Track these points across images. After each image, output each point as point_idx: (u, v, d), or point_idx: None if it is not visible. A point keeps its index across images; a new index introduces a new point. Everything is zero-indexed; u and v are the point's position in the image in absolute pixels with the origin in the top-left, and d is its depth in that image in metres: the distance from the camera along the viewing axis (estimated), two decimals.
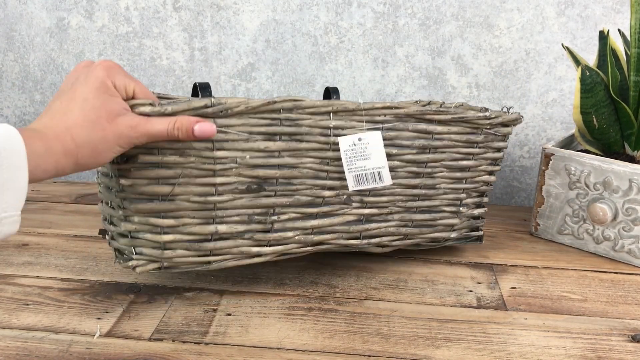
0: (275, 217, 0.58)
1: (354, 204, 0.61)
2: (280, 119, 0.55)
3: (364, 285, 0.67)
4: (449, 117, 0.62)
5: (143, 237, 0.55)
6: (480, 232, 0.72)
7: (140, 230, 0.55)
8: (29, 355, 0.53)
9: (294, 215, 0.59)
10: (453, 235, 0.68)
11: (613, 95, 0.74)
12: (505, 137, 0.68)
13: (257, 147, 0.55)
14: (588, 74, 0.74)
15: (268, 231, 0.58)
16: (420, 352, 0.55)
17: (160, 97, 0.64)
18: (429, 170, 0.63)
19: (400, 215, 0.64)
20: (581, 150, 0.80)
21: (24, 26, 0.99)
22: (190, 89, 0.98)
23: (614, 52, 0.78)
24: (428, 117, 0.61)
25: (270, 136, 0.56)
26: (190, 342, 0.56)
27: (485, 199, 0.71)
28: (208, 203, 0.55)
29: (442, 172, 0.65)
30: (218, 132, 0.53)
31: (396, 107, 0.59)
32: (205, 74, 0.97)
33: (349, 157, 0.58)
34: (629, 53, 0.75)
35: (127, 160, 0.53)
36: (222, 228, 0.56)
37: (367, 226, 0.62)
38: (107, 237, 0.60)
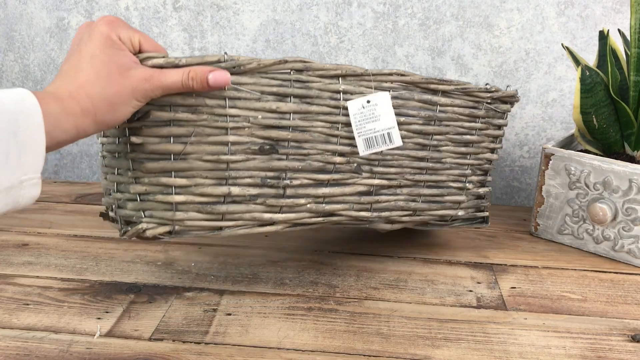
0: (287, 182, 0.57)
1: (364, 174, 0.61)
2: (290, 80, 0.56)
3: (364, 285, 0.67)
4: (452, 87, 0.64)
5: (153, 198, 0.54)
6: (486, 213, 0.72)
7: (150, 192, 0.54)
8: (29, 355, 0.53)
9: (305, 181, 0.59)
10: (460, 213, 0.68)
11: (613, 95, 0.74)
12: (504, 114, 0.70)
13: (268, 107, 0.55)
14: (588, 74, 0.74)
15: (280, 196, 0.58)
16: (420, 352, 0.55)
17: None
18: (434, 142, 0.65)
19: (409, 189, 0.64)
20: (581, 150, 0.80)
21: (24, 26, 0.99)
22: None
23: (614, 52, 0.78)
24: (432, 86, 0.63)
25: (281, 97, 0.56)
26: (190, 342, 0.56)
27: (489, 179, 0.72)
28: (221, 162, 0.55)
29: (447, 145, 0.66)
30: (230, 89, 0.54)
31: (402, 74, 0.61)
32: None
33: (358, 121, 0.59)
34: (629, 53, 0.75)
35: (138, 118, 0.53)
36: (235, 190, 0.55)
37: (377, 198, 0.62)
38: (110, 214, 0.60)
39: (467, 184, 0.68)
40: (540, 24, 0.91)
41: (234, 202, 0.56)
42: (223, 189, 0.55)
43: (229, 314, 0.61)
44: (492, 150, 0.71)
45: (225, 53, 0.53)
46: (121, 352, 0.54)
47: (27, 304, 0.61)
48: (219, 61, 0.52)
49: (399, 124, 0.61)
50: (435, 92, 0.63)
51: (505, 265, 0.74)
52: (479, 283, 0.69)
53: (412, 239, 0.81)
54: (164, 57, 0.51)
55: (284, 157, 0.57)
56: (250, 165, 0.56)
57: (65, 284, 0.66)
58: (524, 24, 0.91)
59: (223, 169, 0.55)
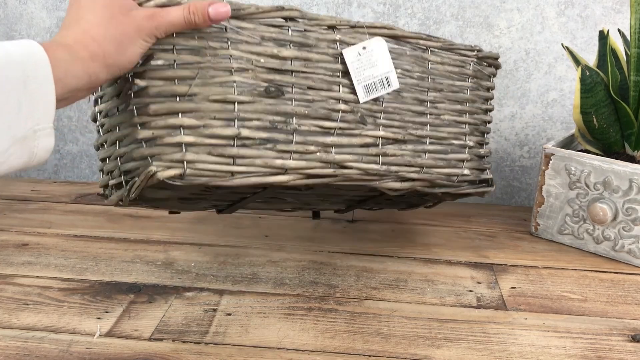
0: (295, 126, 0.58)
1: (369, 126, 0.62)
2: (288, 27, 0.57)
3: (364, 285, 0.67)
4: (439, 44, 0.66)
5: (161, 142, 0.52)
6: (490, 175, 0.73)
7: (157, 135, 0.53)
8: (29, 355, 0.53)
9: (313, 128, 0.59)
10: (465, 171, 0.69)
11: (613, 95, 0.74)
12: (490, 77, 0.73)
13: (270, 52, 0.56)
14: (588, 73, 0.74)
15: (290, 142, 0.58)
16: (420, 352, 0.55)
17: None
18: (431, 98, 0.66)
19: (413, 145, 0.65)
20: (581, 150, 0.80)
21: (24, 26, 0.99)
22: None
23: (614, 52, 0.78)
24: (422, 42, 0.65)
25: (280, 43, 0.57)
26: (190, 342, 0.56)
27: (487, 140, 0.73)
28: (228, 102, 0.55)
29: (443, 103, 0.68)
30: (231, 31, 0.54)
31: (392, 29, 0.63)
32: None
33: (357, 68, 0.60)
34: (629, 53, 0.75)
35: (142, 64, 0.53)
36: (245, 132, 0.55)
37: (384, 150, 0.63)
38: (106, 192, 0.59)
39: (468, 142, 0.69)
40: (540, 24, 0.91)
41: (244, 145, 0.55)
42: (233, 130, 0.54)
43: (229, 314, 0.61)
44: (486, 112, 0.72)
45: None
46: (121, 352, 0.54)
47: (27, 304, 0.61)
48: None
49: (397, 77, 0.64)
50: (425, 49, 0.66)
51: (506, 265, 0.74)
52: (479, 283, 0.69)
53: (412, 239, 0.81)
54: None
55: (290, 102, 0.58)
56: (258, 107, 0.56)
57: (65, 284, 0.66)
58: (524, 24, 0.91)
59: (231, 110, 0.55)
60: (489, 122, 0.73)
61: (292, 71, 0.58)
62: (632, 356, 0.56)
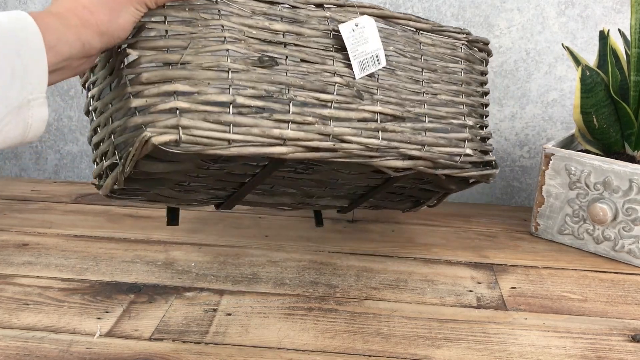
0: (292, 95, 0.57)
1: (366, 100, 0.62)
2: (278, 3, 0.58)
3: (364, 285, 0.67)
4: (429, 25, 0.67)
5: (155, 109, 0.51)
6: (492, 157, 0.72)
7: (151, 103, 0.52)
8: (29, 355, 0.53)
9: (310, 100, 0.59)
10: (468, 151, 0.68)
11: (613, 95, 0.74)
12: (483, 62, 0.73)
13: (261, 25, 0.56)
14: (588, 73, 0.74)
15: (287, 112, 0.57)
16: (420, 352, 0.55)
17: None
18: (426, 77, 0.66)
19: (412, 123, 0.65)
20: (581, 150, 0.80)
21: None
22: None
23: (614, 52, 0.78)
24: (412, 24, 0.66)
25: (271, 17, 0.57)
26: (190, 342, 0.56)
27: (487, 123, 0.72)
28: (221, 70, 0.54)
29: (438, 83, 0.68)
30: (222, 3, 0.54)
31: (381, 9, 0.64)
32: None
33: (352, 44, 0.61)
34: (629, 53, 0.75)
35: (134, 35, 0.53)
36: (240, 99, 0.54)
37: (383, 125, 0.62)
38: (103, 174, 0.59)
39: (467, 121, 0.69)
40: (540, 24, 0.91)
41: (240, 113, 0.55)
42: (227, 97, 0.54)
43: (229, 314, 0.61)
44: (482, 95, 0.72)
45: None
46: (121, 352, 0.54)
47: (27, 304, 0.61)
48: None
49: (390, 56, 0.64)
50: (415, 31, 0.67)
51: (506, 265, 0.74)
52: (479, 283, 0.69)
53: (412, 239, 0.81)
54: None
55: (284, 72, 0.57)
56: (252, 76, 0.55)
57: (65, 284, 0.66)
58: (524, 24, 0.91)
59: (224, 77, 0.54)
60: (487, 105, 0.73)
61: (285, 43, 0.58)
62: (632, 356, 0.56)
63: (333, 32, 0.61)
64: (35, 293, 0.64)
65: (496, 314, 0.62)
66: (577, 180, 0.76)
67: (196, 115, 0.52)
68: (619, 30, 0.84)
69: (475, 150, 0.70)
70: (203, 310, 0.61)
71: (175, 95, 0.52)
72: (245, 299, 0.64)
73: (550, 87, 0.93)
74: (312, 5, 0.60)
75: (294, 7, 0.59)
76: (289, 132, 0.56)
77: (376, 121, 0.62)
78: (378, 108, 0.62)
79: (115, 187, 0.56)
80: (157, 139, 0.50)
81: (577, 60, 0.79)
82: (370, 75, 0.62)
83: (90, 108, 0.60)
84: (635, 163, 0.74)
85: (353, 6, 0.62)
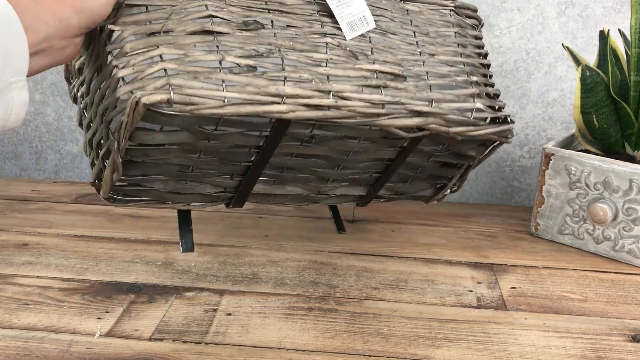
0: (283, 54, 0.56)
1: (362, 60, 0.60)
2: None
3: (364, 285, 0.67)
4: None
5: (143, 75, 0.49)
6: (506, 113, 0.69)
7: (138, 70, 0.50)
8: (29, 355, 0.53)
9: (303, 58, 0.57)
10: (479, 105, 0.65)
11: (613, 95, 0.74)
12: (475, 28, 0.72)
13: None
14: (588, 73, 0.74)
15: (281, 69, 0.55)
16: (420, 352, 0.55)
17: None
18: (420, 39, 0.65)
19: (414, 81, 0.63)
20: (581, 150, 0.80)
21: None
22: None
23: (614, 52, 0.78)
24: None
25: None
26: (191, 342, 0.56)
27: (493, 82, 0.70)
28: (207, 33, 0.53)
29: (433, 45, 0.66)
30: None
31: None
32: None
33: (336, 6, 0.61)
34: (629, 53, 0.75)
35: (115, 14, 0.52)
36: (229, 58, 0.53)
37: (384, 82, 0.60)
38: (97, 182, 0.58)
39: (472, 77, 0.67)
40: (540, 24, 0.91)
41: (231, 72, 0.53)
42: (216, 56, 0.52)
43: (229, 314, 0.61)
44: (480, 56, 0.70)
45: None
46: (121, 352, 0.54)
47: (27, 304, 0.61)
48: None
49: (381, 22, 0.64)
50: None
51: (506, 265, 0.74)
52: (479, 283, 0.69)
53: (412, 239, 0.81)
54: None
55: (272, 35, 0.56)
56: (239, 37, 0.54)
57: (66, 284, 0.66)
58: (524, 24, 0.91)
59: (211, 39, 0.53)
60: (488, 66, 0.70)
61: (269, 9, 0.57)
62: (632, 356, 0.56)
63: (316, 0, 0.60)
64: (35, 293, 0.64)
65: (496, 314, 0.62)
66: (577, 180, 0.76)
67: (186, 75, 0.51)
68: (619, 30, 0.84)
69: (487, 106, 0.67)
70: (203, 310, 0.61)
71: (161, 57, 0.51)
72: (245, 299, 0.64)
73: (550, 87, 0.93)
74: None
75: None
76: (286, 88, 0.54)
77: (376, 79, 0.60)
78: (376, 66, 0.60)
79: (115, 176, 0.54)
80: (148, 99, 0.48)
81: (577, 60, 0.79)
82: (362, 37, 0.61)
83: (81, 106, 0.60)
84: (635, 163, 0.74)
85: None
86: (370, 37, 0.62)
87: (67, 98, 1.00)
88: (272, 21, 0.56)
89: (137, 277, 0.68)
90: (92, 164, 0.59)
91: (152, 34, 0.52)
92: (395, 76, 0.62)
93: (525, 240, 0.82)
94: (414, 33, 0.65)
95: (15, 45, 0.43)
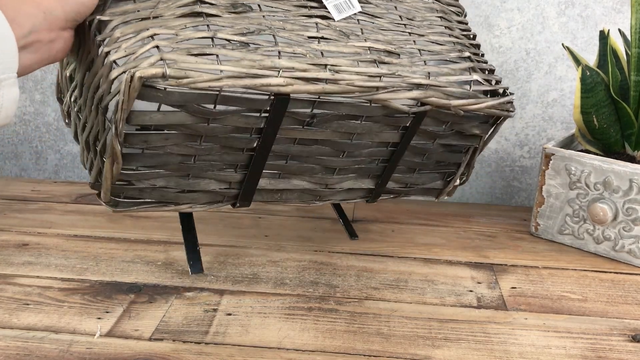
0: (275, 31, 0.56)
1: (354, 39, 0.61)
2: None
3: (364, 285, 0.67)
4: None
5: (136, 55, 0.49)
6: (505, 86, 0.69)
7: (130, 52, 0.49)
8: (30, 355, 0.53)
9: (294, 37, 0.57)
10: (476, 77, 0.66)
11: (613, 95, 0.74)
12: (459, 14, 0.73)
13: None
14: (588, 73, 0.74)
15: (274, 44, 0.55)
16: (420, 352, 0.55)
17: None
18: (406, 22, 0.67)
19: (408, 59, 0.63)
20: (581, 150, 0.80)
21: None
22: None
23: (614, 52, 0.78)
24: None
25: None
26: (191, 342, 0.56)
27: (486, 60, 0.71)
28: (197, 15, 0.53)
29: (421, 27, 0.67)
30: None
31: None
32: None
33: None
34: (630, 53, 0.75)
35: (103, 7, 0.52)
36: (221, 35, 0.53)
37: (380, 57, 0.60)
38: (96, 186, 0.58)
39: (466, 53, 0.67)
40: (540, 24, 0.91)
41: (224, 47, 0.53)
42: (208, 33, 0.52)
43: (229, 314, 0.61)
44: (469, 37, 0.71)
45: None
46: (121, 352, 0.54)
47: (27, 304, 0.61)
48: None
49: (363, 7, 0.64)
50: None
51: (506, 265, 0.74)
52: (479, 283, 0.69)
53: (412, 239, 0.81)
54: None
55: (262, 16, 0.57)
56: (228, 18, 0.54)
57: (66, 284, 0.66)
58: (524, 24, 0.91)
59: (200, 20, 0.53)
60: (479, 46, 0.71)
61: None
62: (633, 356, 0.56)
63: None
64: (35, 293, 0.64)
65: (496, 314, 0.62)
66: (577, 180, 0.76)
67: (179, 51, 0.50)
68: (619, 30, 0.84)
69: (484, 80, 0.67)
70: (203, 310, 0.61)
71: (153, 37, 0.50)
72: (245, 299, 0.64)
73: (550, 87, 0.93)
74: None
75: None
76: (282, 61, 0.54)
77: (370, 54, 0.60)
78: (369, 44, 0.61)
79: (115, 169, 0.53)
80: (143, 72, 0.47)
81: (577, 60, 0.79)
82: (351, 19, 0.62)
83: (76, 109, 0.59)
84: (636, 163, 0.74)
85: None
86: (358, 20, 0.63)
87: None
88: (259, 5, 0.57)
89: (137, 277, 0.68)
90: (91, 168, 0.58)
91: (142, 20, 0.52)
92: (389, 53, 0.62)
93: (525, 240, 0.82)
94: (400, 17, 0.67)
95: (3, 42, 0.42)
